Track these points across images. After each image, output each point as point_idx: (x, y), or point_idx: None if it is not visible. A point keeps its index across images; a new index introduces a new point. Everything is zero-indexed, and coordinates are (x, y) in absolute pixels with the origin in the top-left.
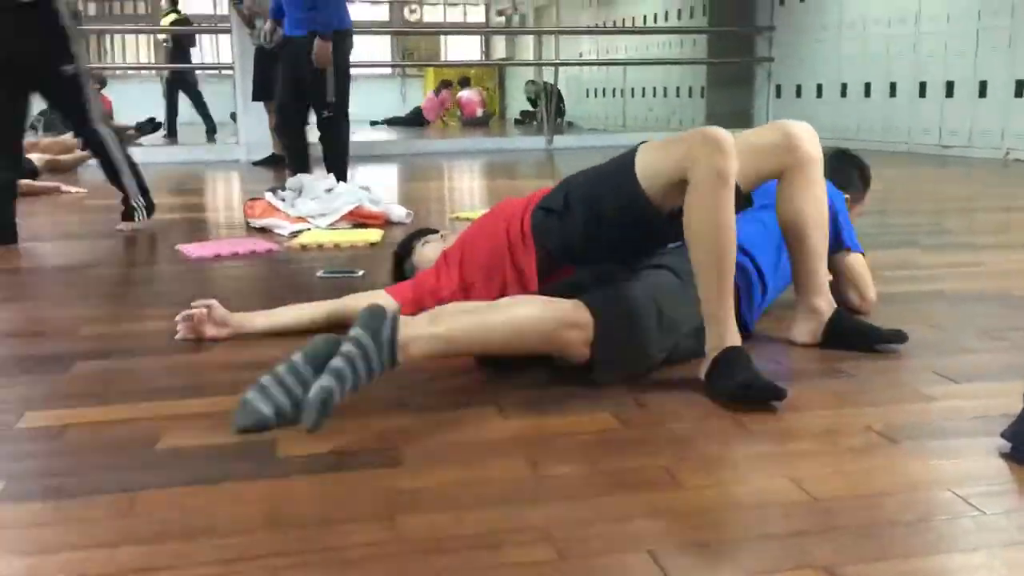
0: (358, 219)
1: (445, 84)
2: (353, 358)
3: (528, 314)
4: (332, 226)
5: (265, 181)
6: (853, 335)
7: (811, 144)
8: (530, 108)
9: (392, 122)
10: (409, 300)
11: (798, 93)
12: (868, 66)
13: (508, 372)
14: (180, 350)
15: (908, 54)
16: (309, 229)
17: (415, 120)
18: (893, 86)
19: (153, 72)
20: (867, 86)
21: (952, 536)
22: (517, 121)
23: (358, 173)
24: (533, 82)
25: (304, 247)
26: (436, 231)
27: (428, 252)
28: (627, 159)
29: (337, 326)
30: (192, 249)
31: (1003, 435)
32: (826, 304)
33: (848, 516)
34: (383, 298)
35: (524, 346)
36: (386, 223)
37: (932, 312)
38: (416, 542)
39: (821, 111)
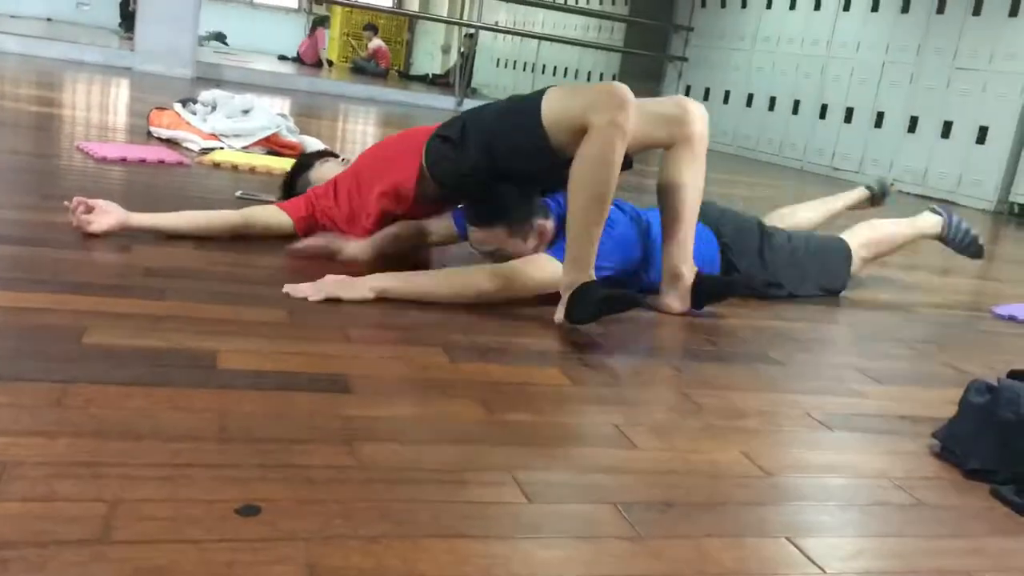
0: (273, 146)
1: (319, 22)
2: None
3: None
4: (245, 149)
5: (164, 92)
6: (720, 290)
7: (702, 124)
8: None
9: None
10: (303, 217)
11: (706, 96)
12: (776, 81)
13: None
14: (97, 247)
15: (815, 76)
16: (221, 148)
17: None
18: (797, 104)
19: None
20: (772, 100)
21: (895, 521)
22: (428, 80)
23: (276, 103)
24: (469, 36)
25: (217, 164)
26: (338, 155)
27: (326, 171)
28: (534, 100)
29: (237, 237)
30: (96, 148)
31: (934, 435)
32: (688, 270)
33: (801, 492)
34: (279, 214)
35: None
36: (300, 155)
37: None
38: (380, 470)
39: (725, 118)
